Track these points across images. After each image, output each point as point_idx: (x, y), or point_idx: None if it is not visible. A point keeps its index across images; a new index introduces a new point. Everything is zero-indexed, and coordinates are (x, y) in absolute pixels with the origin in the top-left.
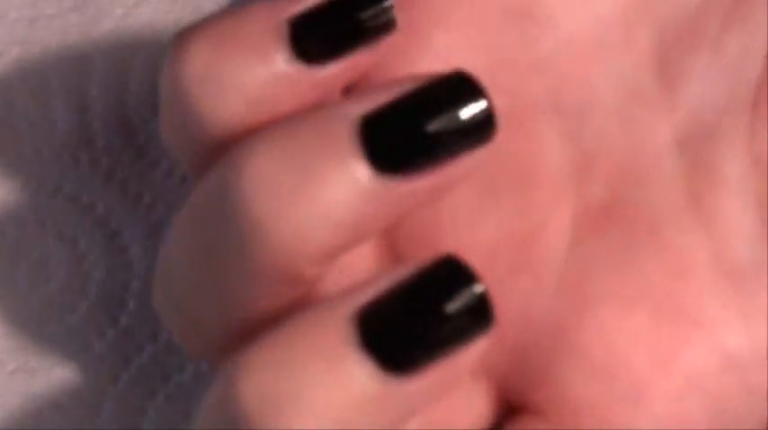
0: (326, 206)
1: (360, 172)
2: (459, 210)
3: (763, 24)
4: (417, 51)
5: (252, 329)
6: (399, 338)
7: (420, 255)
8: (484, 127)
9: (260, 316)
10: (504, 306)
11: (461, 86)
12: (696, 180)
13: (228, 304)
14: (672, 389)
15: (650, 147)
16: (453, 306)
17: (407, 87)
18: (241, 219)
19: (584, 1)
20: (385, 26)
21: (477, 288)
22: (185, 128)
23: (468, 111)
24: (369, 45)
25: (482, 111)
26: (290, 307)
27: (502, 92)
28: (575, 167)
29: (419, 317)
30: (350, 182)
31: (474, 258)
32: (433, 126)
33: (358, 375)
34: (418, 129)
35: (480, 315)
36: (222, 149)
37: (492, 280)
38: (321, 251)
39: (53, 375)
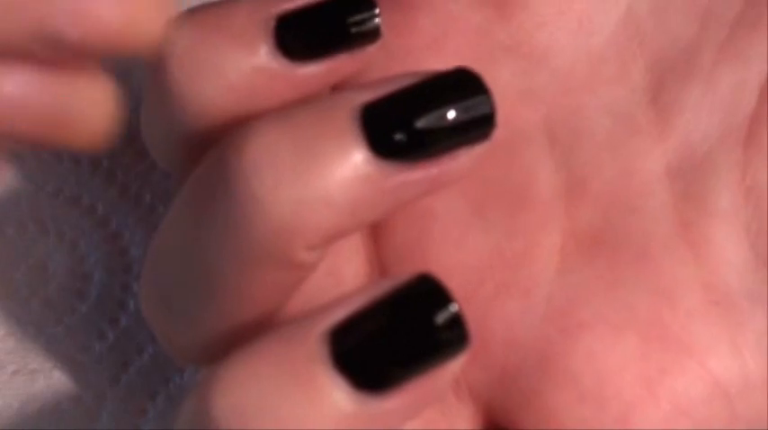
0: (325, 186)
1: (359, 156)
2: (449, 229)
3: (757, 58)
4: None
5: (239, 330)
6: (373, 356)
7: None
8: (483, 123)
9: (249, 312)
10: (490, 328)
11: (464, 82)
12: (687, 210)
13: (218, 292)
14: (660, 415)
15: (642, 176)
16: (428, 324)
17: (410, 80)
18: (239, 196)
19: (578, 35)
20: (369, 34)
21: (453, 307)
22: (165, 114)
23: (468, 107)
24: (351, 51)
25: (482, 108)
26: (280, 303)
27: None
28: (565, 193)
29: (393, 335)
30: (349, 165)
31: (461, 279)
32: (433, 118)
33: (331, 395)
34: (417, 121)
35: (455, 334)
36: (200, 141)
37: (478, 301)
38: (316, 231)
39: (53, 376)
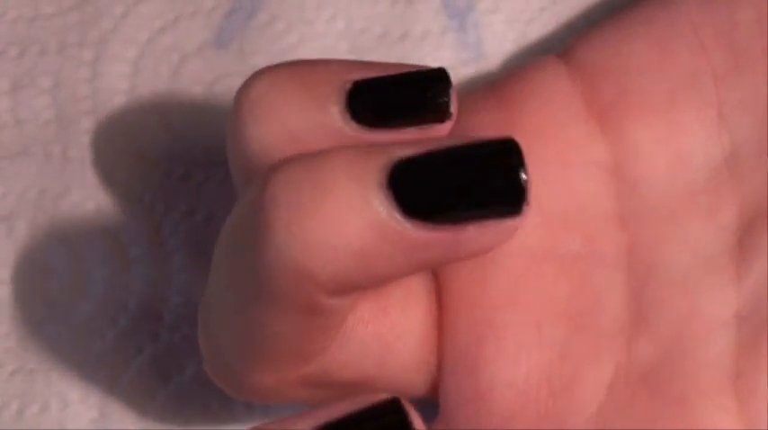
0: (340, 229)
1: (380, 204)
2: (506, 343)
3: None
4: None
5: (279, 359)
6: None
7: (459, 380)
8: (516, 198)
9: (291, 354)
10: None
11: (506, 153)
12: (744, 359)
13: (256, 337)
14: None
15: (708, 320)
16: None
17: (452, 142)
18: (258, 229)
19: (675, 167)
20: (441, 112)
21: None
22: (233, 145)
23: (503, 178)
24: (420, 126)
25: (517, 182)
26: (322, 345)
27: (577, 235)
28: (629, 324)
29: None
30: (368, 212)
31: (508, 399)
32: (465, 182)
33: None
34: (449, 182)
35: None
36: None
37: (523, 423)
38: (327, 276)
39: (52, 376)
